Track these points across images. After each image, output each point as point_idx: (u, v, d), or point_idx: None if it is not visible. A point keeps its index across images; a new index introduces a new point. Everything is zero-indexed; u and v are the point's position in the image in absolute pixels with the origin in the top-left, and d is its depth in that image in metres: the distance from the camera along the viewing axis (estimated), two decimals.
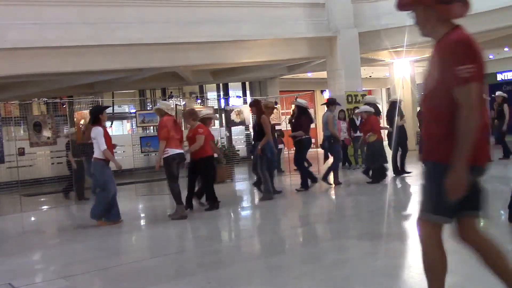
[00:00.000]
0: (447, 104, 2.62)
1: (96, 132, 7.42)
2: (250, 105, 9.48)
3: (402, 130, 10.24)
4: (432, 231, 2.84)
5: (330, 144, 9.72)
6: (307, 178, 9.31)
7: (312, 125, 10.78)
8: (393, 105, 10.44)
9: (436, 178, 2.70)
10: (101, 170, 7.52)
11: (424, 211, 2.82)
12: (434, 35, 2.86)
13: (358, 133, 12.65)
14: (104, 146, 7.38)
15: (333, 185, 9.62)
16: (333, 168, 9.76)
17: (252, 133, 9.80)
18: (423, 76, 2.95)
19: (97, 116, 7.53)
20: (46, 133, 11.25)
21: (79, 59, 11.42)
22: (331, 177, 9.87)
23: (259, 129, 8.56)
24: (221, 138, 14.93)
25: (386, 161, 9.78)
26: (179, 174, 7.66)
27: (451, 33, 2.72)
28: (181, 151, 7.62)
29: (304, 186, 9.29)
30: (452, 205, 2.67)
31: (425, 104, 2.87)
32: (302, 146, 9.20)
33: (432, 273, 2.98)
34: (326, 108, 10.22)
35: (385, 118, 11.54)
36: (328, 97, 11.73)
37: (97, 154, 7.49)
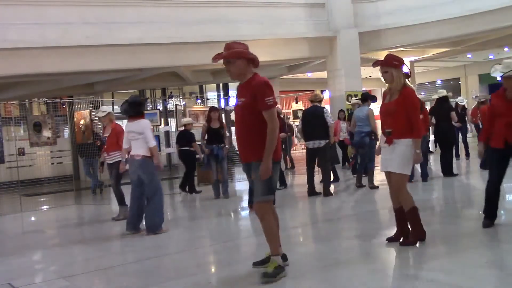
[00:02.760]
0: (257, 120, 4.03)
1: (145, 125, 6.50)
2: (211, 109, 9.78)
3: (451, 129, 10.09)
4: (267, 206, 4.15)
5: (371, 140, 9.15)
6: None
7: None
8: (439, 101, 10.19)
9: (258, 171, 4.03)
10: (152, 171, 6.53)
11: (262, 195, 4.08)
12: (243, 79, 4.18)
13: None
14: (154, 142, 6.50)
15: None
16: (370, 167, 9.35)
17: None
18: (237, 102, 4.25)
19: (140, 109, 6.72)
20: (46, 133, 11.26)
21: (79, 59, 11.41)
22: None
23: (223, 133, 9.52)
24: None
25: (337, 162, 11.00)
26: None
27: (255, 77, 4.13)
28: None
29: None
30: (274, 186, 4.19)
31: (239, 120, 4.18)
32: None
33: (271, 234, 4.17)
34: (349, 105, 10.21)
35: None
36: (362, 92, 11.07)
37: (144, 151, 6.45)
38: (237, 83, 4.32)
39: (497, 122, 5.12)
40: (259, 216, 4.20)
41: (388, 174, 4.90)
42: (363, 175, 9.55)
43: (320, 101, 9.18)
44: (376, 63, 4.97)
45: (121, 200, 7.93)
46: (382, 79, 4.89)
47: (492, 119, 5.21)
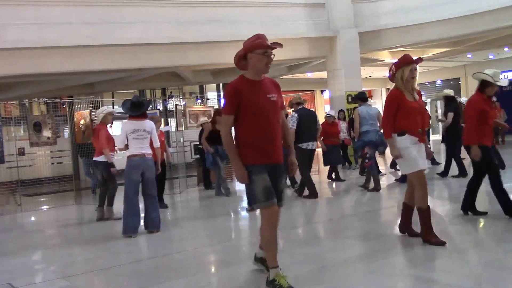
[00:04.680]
0: (280, 117, 4.02)
1: (152, 125, 6.93)
2: (219, 113, 9.81)
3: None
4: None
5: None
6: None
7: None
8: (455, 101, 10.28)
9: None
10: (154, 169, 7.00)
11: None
12: (261, 75, 4.00)
13: None
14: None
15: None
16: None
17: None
18: (259, 97, 3.89)
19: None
20: (46, 133, 11.24)
21: (79, 59, 11.40)
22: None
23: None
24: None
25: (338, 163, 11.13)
26: (106, 178, 8.09)
27: (265, 76, 4.05)
28: (97, 158, 8.04)
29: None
30: None
31: (274, 116, 3.92)
32: None
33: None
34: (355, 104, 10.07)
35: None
36: (361, 91, 10.73)
37: (149, 150, 6.77)
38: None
39: (488, 124, 5.67)
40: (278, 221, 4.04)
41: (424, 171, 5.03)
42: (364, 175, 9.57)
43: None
44: (420, 59, 5.25)
45: (99, 200, 8.21)
46: (403, 77, 4.95)
47: (478, 122, 5.64)
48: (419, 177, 4.91)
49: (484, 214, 5.91)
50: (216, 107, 15.83)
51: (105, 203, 8.14)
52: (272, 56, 3.95)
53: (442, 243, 4.76)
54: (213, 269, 4.98)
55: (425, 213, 4.90)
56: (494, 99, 11.17)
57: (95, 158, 8.21)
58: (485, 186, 6.00)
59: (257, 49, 3.94)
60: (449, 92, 10.59)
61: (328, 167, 11.22)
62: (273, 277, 3.83)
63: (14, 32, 10.42)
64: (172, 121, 14.79)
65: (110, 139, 8.03)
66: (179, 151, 12.80)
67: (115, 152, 8.11)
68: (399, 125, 4.93)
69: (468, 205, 6.01)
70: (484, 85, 5.70)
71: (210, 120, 10.16)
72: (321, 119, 10.42)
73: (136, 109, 6.69)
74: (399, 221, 5.43)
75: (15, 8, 10.67)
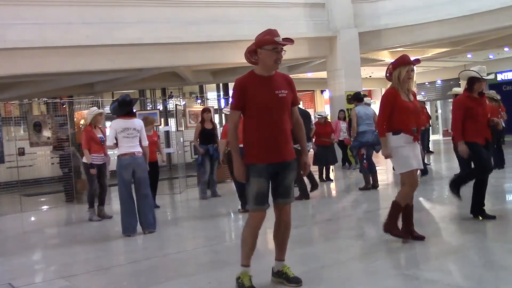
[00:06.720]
0: (289, 114, 3.85)
1: (142, 124, 6.88)
2: (204, 110, 9.79)
3: None
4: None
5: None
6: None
7: None
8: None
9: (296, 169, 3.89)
10: (146, 168, 6.91)
11: (293, 196, 4.09)
12: (271, 71, 3.86)
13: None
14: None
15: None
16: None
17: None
18: (266, 93, 3.77)
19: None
20: (46, 133, 11.23)
21: (79, 59, 11.41)
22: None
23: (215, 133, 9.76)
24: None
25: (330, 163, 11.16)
26: (96, 179, 8.14)
27: (278, 72, 3.93)
28: (83, 160, 8.18)
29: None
30: None
31: (282, 113, 3.78)
32: None
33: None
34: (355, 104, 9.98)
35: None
36: (357, 91, 10.43)
37: (139, 149, 6.75)
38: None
39: (478, 121, 5.61)
40: (289, 219, 4.08)
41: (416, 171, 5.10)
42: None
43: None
44: (417, 60, 5.19)
45: (88, 201, 8.29)
46: (399, 77, 4.98)
47: (464, 119, 5.63)
48: (411, 176, 4.95)
49: (493, 218, 5.69)
50: (216, 107, 15.84)
51: (95, 203, 8.20)
52: (283, 53, 3.82)
53: (404, 237, 4.96)
54: (213, 269, 4.98)
55: (399, 210, 5.01)
56: (498, 97, 11.23)
57: (82, 160, 8.30)
58: (489, 186, 5.97)
59: (266, 44, 3.79)
60: (459, 90, 10.56)
61: (316, 168, 11.05)
62: (239, 275, 3.89)
63: (14, 32, 10.43)
64: (172, 121, 14.78)
65: (94, 140, 8.01)
66: (179, 151, 12.80)
67: (102, 153, 8.09)
68: (394, 124, 4.97)
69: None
70: (471, 82, 5.67)
71: (199, 120, 10.04)
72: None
73: (124, 108, 6.65)
74: (400, 226, 5.24)
75: (15, 8, 10.67)
